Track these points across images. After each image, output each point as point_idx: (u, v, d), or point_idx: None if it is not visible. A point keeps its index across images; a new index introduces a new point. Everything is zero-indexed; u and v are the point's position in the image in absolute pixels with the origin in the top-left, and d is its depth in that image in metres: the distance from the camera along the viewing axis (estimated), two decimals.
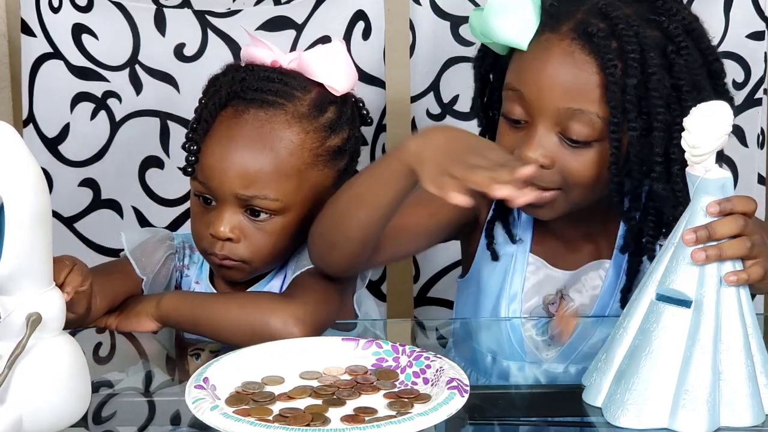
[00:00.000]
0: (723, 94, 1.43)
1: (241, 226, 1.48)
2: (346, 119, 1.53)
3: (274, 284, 1.56)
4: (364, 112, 1.59)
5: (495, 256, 1.55)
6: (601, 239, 1.54)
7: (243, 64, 1.55)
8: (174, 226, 1.99)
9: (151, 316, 1.47)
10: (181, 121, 1.96)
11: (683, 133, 1.18)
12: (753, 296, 1.25)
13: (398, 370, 1.28)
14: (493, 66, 1.52)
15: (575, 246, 1.54)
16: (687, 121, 1.18)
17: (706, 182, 1.19)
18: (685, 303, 1.19)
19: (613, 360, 1.24)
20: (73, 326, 1.44)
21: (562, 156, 1.41)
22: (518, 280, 1.54)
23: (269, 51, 1.54)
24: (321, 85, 1.52)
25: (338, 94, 1.52)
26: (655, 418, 1.20)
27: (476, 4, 1.97)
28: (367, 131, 2.00)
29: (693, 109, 1.18)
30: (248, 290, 1.56)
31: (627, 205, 1.45)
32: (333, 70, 1.52)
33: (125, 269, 1.55)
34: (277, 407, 1.21)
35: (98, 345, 1.49)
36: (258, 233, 1.48)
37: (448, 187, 1.23)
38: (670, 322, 1.19)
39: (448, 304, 2.02)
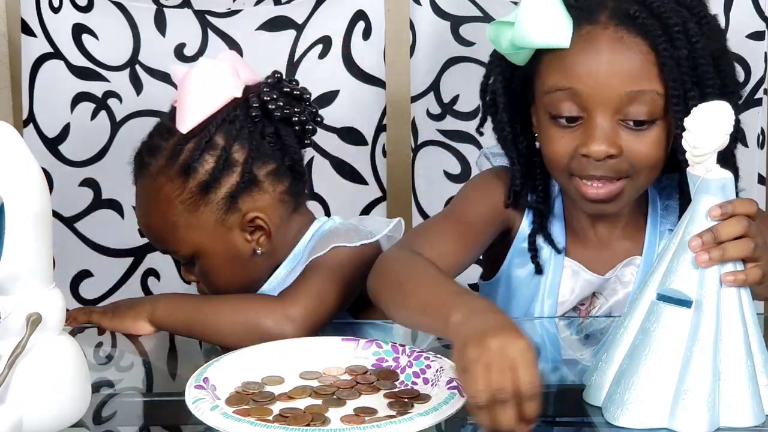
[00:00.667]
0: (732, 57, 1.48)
1: (192, 270, 1.54)
2: (204, 149, 1.48)
3: (298, 269, 1.55)
4: (256, 115, 1.49)
5: (539, 269, 1.55)
6: (632, 235, 1.54)
7: None
8: None
9: (146, 319, 1.48)
10: None
11: (684, 133, 1.18)
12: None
13: (398, 371, 1.27)
14: (511, 78, 1.50)
15: (609, 246, 1.54)
16: (688, 121, 1.18)
17: (707, 182, 1.19)
18: (685, 303, 1.19)
19: (614, 359, 1.24)
20: None
21: (627, 142, 1.41)
22: (554, 284, 1.54)
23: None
24: None
25: (183, 132, 1.49)
26: (654, 417, 1.20)
27: (476, 5, 1.97)
28: (368, 131, 2.00)
29: (694, 109, 1.18)
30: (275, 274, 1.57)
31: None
32: (179, 106, 1.51)
33: None
34: (277, 407, 1.20)
35: (98, 345, 1.49)
36: (200, 274, 1.54)
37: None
38: (670, 322, 1.19)
39: None
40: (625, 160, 1.41)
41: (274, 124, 1.51)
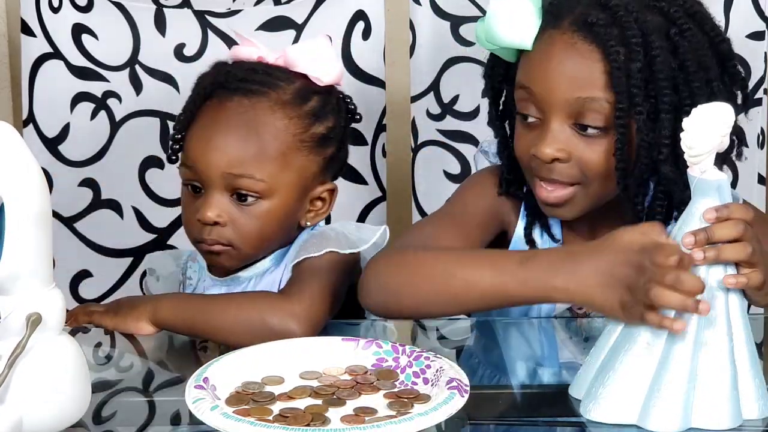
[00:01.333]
0: (734, 75, 1.46)
1: (228, 209, 1.50)
2: (331, 109, 1.56)
3: (275, 276, 1.56)
4: (352, 107, 1.62)
5: None
6: None
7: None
8: (174, 226, 1.99)
9: (148, 320, 1.48)
10: None
11: (682, 134, 1.18)
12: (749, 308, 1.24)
13: (398, 370, 1.27)
14: (505, 75, 1.52)
15: None
16: (685, 122, 1.18)
17: (702, 183, 1.19)
18: None
19: (599, 354, 1.25)
20: None
21: (577, 148, 1.42)
22: None
23: (255, 48, 1.58)
24: (305, 77, 1.55)
25: (321, 85, 1.55)
26: (624, 414, 1.20)
27: (476, 5, 1.97)
28: (368, 131, 2.00)
29: (693, 110, 1.18)
30: (260, 263, 1.57)
31: (635, 192, 1.45)
32: (316, 61, 1.55)
33: None
34: (277, 407, 1.20)
35: (98, 345, 1.49)
36: (244, 217, 1.50)
37: (641, 317, 1.20)
38: None
39: None
40: (575, 166, 1.42)
41: (351, 117, 1.62)
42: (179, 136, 1.55)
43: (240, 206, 1.50)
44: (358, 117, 1.63)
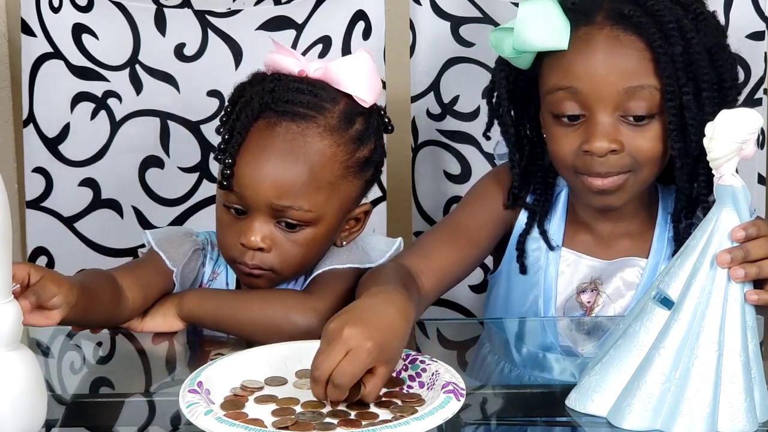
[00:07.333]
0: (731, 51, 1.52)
1: (273, 236, 1.47)
2: (373, 130, 1.53)
3: (298, 282, 1.56)
4: (386, 120, 1.58)
5: (524, 270, 1.58)
6: (637, 236, 1.57)
7: (268, 73, 1.53)
8: (174, 225, 1.99)
9: (175, 315, 1.49)
10: (181, 121, 1.96)
11: (704, 138, 1.20)
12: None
13: (393, 373, 1.28)
14: (515, 82, 1.55)
15: (609, 241, 1.57)
16: (708, 126, 1.19)
17: (719, 189, 1.20)
18: (669, 304, 1.21)
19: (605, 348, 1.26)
20: (109, 324, 1.47)
21: (628, 137, 1.45)
22: (552, 274, 1.57)
23: (296, 60, 1.53)
24: (348, 96, 1.51)
25: (366, 106, 1.51)
26: (598, 406, 1.22)
27: (476, 5, 1.97)
28: None
29: (718, 113, 1.19)
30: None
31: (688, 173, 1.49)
32: (360, 81, 1.52)
33: (155, 263, 1.54)
34: (271, 410, 1.21)
35: (98, 345, 1.49)
36: (288, 243, 1.48)
37: None
38: (648, 320, 1.21)
39: (450, 305, 2.01)
40: (627, 155, 1.45)
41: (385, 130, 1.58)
42: (231, 160, 1.46)
43: (284, 232, 1.47)
44: (390, 128, 1.58)
